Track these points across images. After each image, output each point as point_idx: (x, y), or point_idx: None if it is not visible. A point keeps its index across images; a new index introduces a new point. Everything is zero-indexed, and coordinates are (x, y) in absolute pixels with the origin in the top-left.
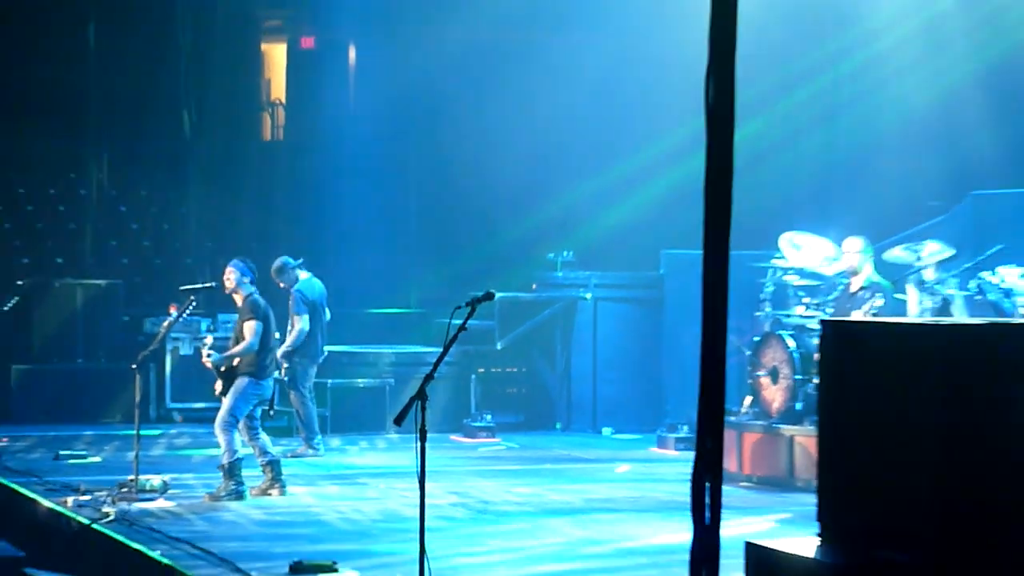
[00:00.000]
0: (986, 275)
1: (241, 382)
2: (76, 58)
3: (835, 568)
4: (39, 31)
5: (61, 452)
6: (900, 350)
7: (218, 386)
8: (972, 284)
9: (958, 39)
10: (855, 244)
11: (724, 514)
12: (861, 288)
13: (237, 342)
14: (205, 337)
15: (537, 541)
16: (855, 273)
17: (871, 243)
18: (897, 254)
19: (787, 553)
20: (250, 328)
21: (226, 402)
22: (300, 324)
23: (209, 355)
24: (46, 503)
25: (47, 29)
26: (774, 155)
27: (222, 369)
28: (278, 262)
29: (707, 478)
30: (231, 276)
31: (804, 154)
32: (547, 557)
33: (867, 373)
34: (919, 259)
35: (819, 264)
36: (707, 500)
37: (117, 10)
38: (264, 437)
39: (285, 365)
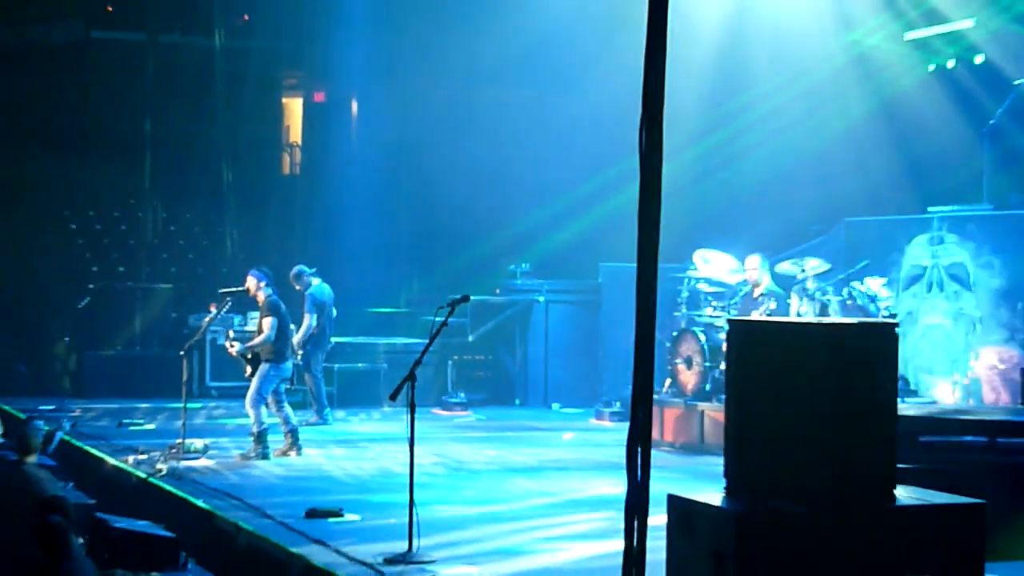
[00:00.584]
0: (856, 284)
1: (263, 368)
2: (136, 109)
3: (739, 514)
4: (111, 85)
5: (123, 421)
6: (790, 343)
7: (248, 370)
8: (845, 292)
9: (830, 102)
10: (755, 261)
11: (651, 472)
12: (761, 295)
13: (259, 334)
14: (228, 331)
15: (502, 493)
16: (756, 283)
17: (767, 258)
18: (785, 267)
19: (701, 503)
20: (268, 323)
21: (253, 384)
22: (309, 320)
23: (233, 345)
24: (112, 461)
25: (115, 83)
26: (691, 188)
27: (248, 357)
28: (295, 269)
29: (639, 443)
30: (251, 282)
31: (713, 188)
32: (510, 503)
33: (764, 361)
34: (802, 271)
35: (724, 275)
36: (639, 460)
37: (167, 69)
38: (288, 410)
39: (300, 352)
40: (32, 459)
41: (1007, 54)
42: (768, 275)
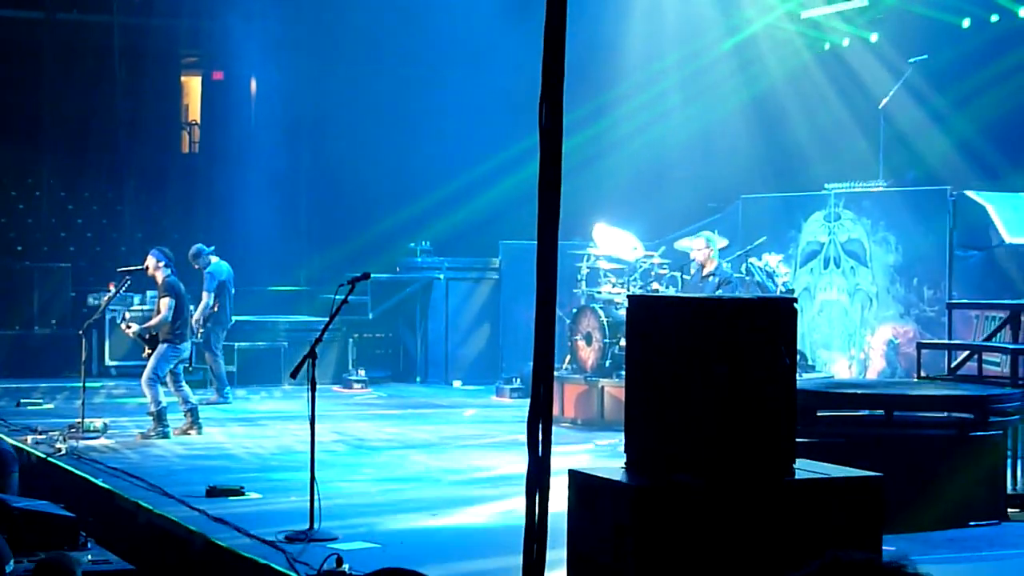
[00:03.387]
0: (753, 261)
1: (161, 347)
2: (32, 87)
3: (640, 489)
4: (8, 63)
5: (21, 400)
6: (688, 319)
7: (147, 350)
8: (743, 268)
9: (727, 79)
10: (700, 242)
11: (552, 448)
12: (711, 274)
13: (157, 315)
14: (124, 312)
15: (403, 470)
16: (703, 264)
17: (711, 240)
18: (684, 244)
19: (602, 478)
20: (165, 304)
21: (150, 363)
22: (206, 299)
23: (130, 326)
24: (10, 440)
25: (12, 61)
26: (590, 165)
27: (146, 337)
28: (194, 248)
29: (540, 419)
30: (151, 262)
31: (613, 166)
32: (411, 481)
33: (663, 336)
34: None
35: (623, 252)
36: (539, 436)
37: (64, 47)
38: (186, 388)
39: (201, 330)
40: None
41: (901, 33)
42: (716, 255)
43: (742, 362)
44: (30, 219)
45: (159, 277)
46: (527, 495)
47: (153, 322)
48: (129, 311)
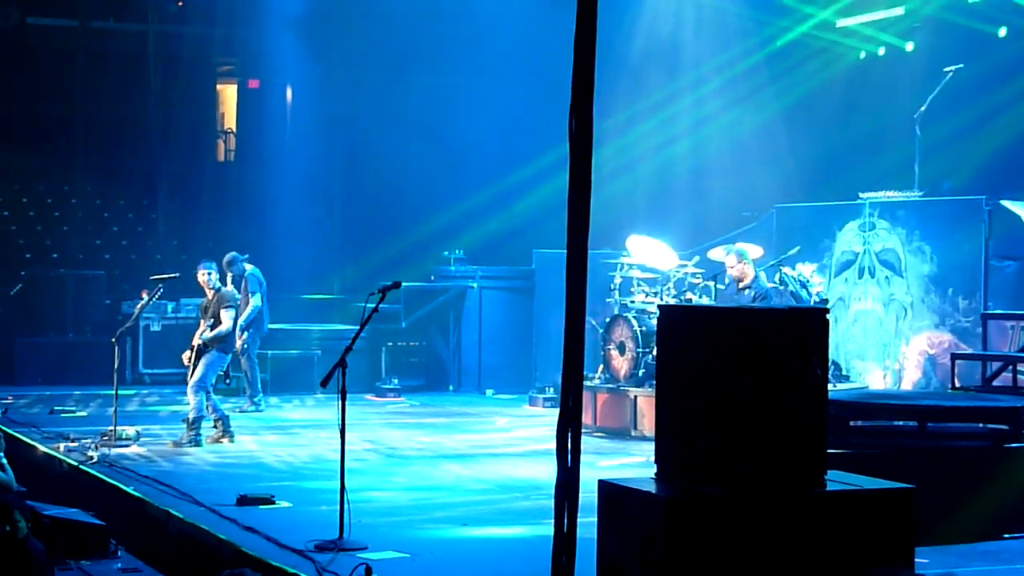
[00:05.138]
0: (787, 271)
1: (211, 355)
2: (66, 95)
3: (668, 499)
4: (37, 72)
5: (55, 408)
6: (720, 329)
7: (186, 356)
8: (776, 278)
9: (762, 88)
10: (731, 259)
11: (582, 457)
12: (747, 287)
13: (215, 324)
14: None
15: (435, 479)
16: (739, 279)
17: (742, 252)
18: (717, 253)
19: (632, 488)
20: (228, 315)
21: (199, 370)
22: (254, 302)
23: (201, 337)
24: (43, 448)
25: (42, 69)
26: (622, 174)
27: (198, 344)
28: (228, 256)
29: (569, 429)
30: (208, 276)
31: (645, 174)
32: (442, 490)
33: (695, 346)
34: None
35: (656, 261)
36: (569, 446)
37: (98, 55)
38: (214, 397)
39: (243, 337)
40: None
41: (937, 42)
42: (751, 268)
43: (773, 373)
44: (65, 227)
45: (211, 289)
46: (556, 505)
47: (218, 332)
48: (162, 316)
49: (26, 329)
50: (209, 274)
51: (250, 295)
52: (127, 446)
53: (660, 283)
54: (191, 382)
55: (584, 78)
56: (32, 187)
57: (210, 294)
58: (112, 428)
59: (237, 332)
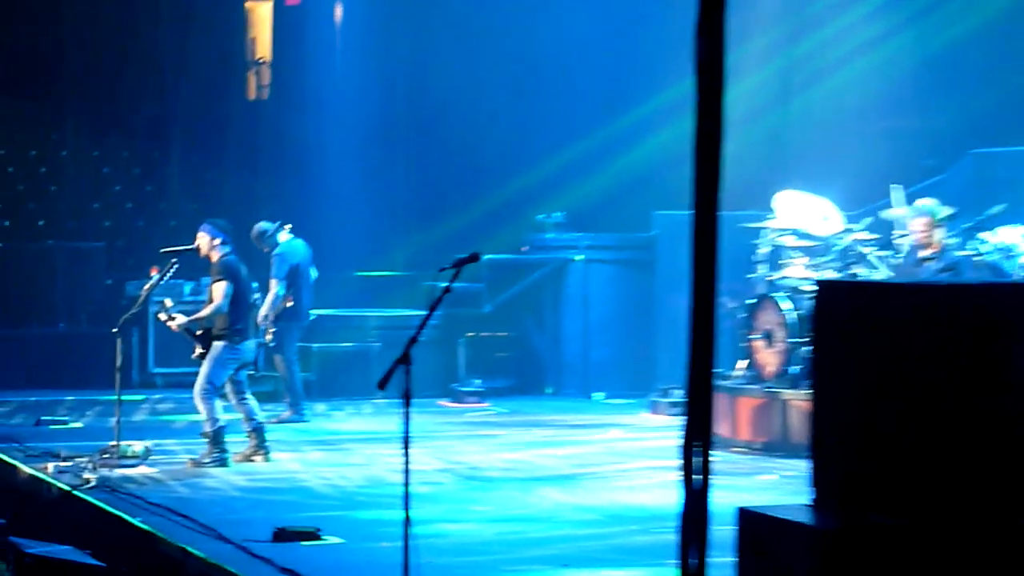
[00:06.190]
0: (986, 236)
1: (216, 348)
2: (50, 17)
3: (828, 533)
4: None
5: (42, 418)
6: (898, 312)
7: (197, 350)
8: (971, 245)
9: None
10: (920, 222)
11: (716, 479)
12: (930, 257)
13: (209, 303)
14: (164, 300)
15: (527, 508)
16: (925, 246)
17: (936, 213)
18: (894, 213)
19: (780, 519)
20: (219, 289)
21: (203, 369)
22: (275, 288)
23: (174, 318)
24: (27, 469)
25: None
26: (765, 113)
27: (196, 333)
28: (256, 229)
29: (696, 442)
30: (203, 239)
31: (798, 114)
32: (537, 522)
33: (864, 334)
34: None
35: (815, 225)
36: (696, 465)
37: None
38: (252, 402)
39: (272, 329)
40: None
41: None
42: (942, 234)
43: (970, 369)
44: (53, 186)
45: (214, 257)
46: (681, 540)
47: (204, 312)
48: (178, 301)
49: (3, 318)
50: (212, 240)
51: (272, 279)
52: (134, 466)
53: (819, 253)
54: (196, 386)
55: None
56: (11, 137)
57: (213, 260)
58: (114, 443)
59: (263, 323)
